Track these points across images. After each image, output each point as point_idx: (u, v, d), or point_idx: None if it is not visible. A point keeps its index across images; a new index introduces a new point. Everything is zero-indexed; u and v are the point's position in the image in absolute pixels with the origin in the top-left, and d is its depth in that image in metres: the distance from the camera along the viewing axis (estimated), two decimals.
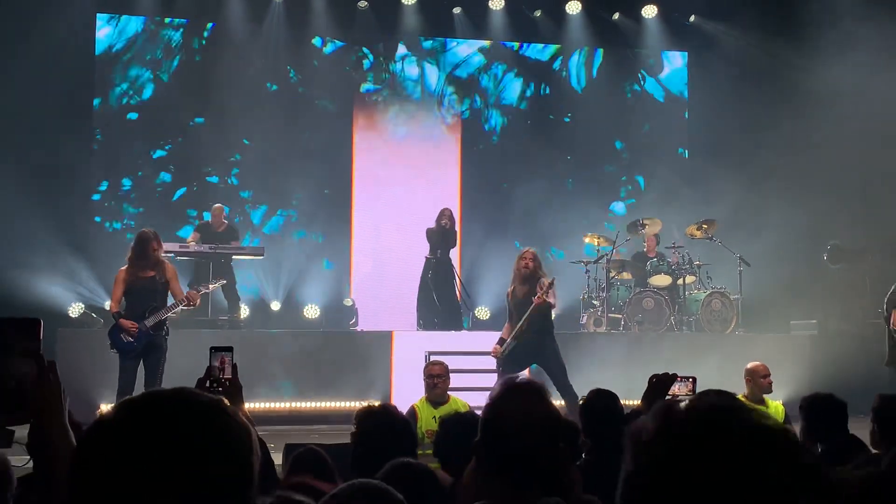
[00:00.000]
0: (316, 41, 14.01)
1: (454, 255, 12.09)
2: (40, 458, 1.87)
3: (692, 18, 14.49)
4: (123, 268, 8.08)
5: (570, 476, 2.44)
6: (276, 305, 12.81)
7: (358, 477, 2.17)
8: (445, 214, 11.62)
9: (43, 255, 11.39)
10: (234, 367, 3.20)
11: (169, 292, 8.11)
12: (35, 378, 1.87)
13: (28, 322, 1.95)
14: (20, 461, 2.44)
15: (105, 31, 13.34)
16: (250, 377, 8.56)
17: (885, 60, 10.93)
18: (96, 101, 13.29)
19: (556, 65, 14.76)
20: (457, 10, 14.10)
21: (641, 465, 1.14)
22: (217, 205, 11.92)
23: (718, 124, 13.52)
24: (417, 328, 11.42)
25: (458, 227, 12.19)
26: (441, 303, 11.49)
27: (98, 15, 13.26)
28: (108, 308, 8.37)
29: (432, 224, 11.65)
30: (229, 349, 3.27)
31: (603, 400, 4.42)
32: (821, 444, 4.25)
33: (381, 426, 3.43)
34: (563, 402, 8.17)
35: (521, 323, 8.16)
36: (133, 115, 13.43)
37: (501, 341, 8.42)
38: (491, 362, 9.38)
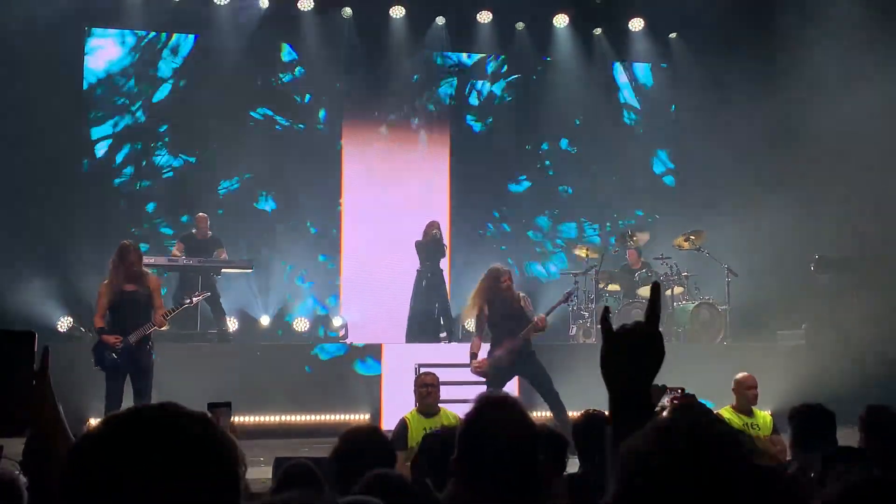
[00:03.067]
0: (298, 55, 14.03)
1: (444, 266, 12.09)
2: (37, 469, 1.87)
3: (673, 35, 14.60)
4: (105, 281, 7.98)
5: (552, 489, 2.45)
6: (265, 320, 12.73)
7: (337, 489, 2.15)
8: (434, 226, 11.67)
9: (31, 269, 11.33)
10: (231, 425, 3.08)
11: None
12: (32, 388, 1.87)
13: (23, 335, 1.96)
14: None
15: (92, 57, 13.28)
16: (240, 390, 8.57)
17: (868, 70, 11.02)
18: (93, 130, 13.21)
19: (544, 77, 14.78)
20: (440, 21, 14.11)
21: (638, 482, 1.17)
22: (200, 213, 11.84)
23: (705, 136, 13.57)
24: (406, 340, 11.40)
25: (446, 240, 12.22)
26: (435, 313, 11.51)
27: (88, 30, 13.23)
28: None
29: (420, 237, 11.69)
30: (227, 405, 3.15)
31: (592, 421, 4.43)
32: (810, 453, 4.22)
33: (362, 447, 3.44)
34: (548, 414, 8.25)
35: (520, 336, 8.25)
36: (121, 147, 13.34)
37: (473, 356, 8.46)
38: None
